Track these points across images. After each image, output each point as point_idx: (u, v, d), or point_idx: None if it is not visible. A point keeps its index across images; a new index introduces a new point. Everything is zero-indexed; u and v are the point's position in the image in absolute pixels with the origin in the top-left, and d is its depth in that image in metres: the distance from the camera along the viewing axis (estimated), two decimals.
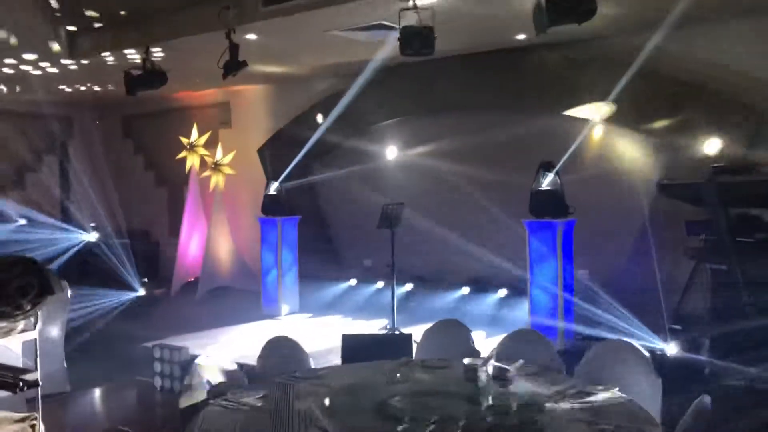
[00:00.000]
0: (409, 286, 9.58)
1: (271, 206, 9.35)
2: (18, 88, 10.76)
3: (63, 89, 11.26)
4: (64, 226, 11.30)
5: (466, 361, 3.71)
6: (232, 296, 10.68)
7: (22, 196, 12.27)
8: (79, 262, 10.14)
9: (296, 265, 9.41)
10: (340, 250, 11.09)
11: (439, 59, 8.00)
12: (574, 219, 7.35)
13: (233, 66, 7.48)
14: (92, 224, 11.31)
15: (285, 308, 9.21)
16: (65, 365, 6.90)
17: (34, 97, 11.91)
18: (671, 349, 6.25)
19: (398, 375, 3.93)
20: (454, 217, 9.65)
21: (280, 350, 4.33)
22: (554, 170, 7.18)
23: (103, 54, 8.51)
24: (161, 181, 13.04)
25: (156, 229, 13.05)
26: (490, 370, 3.60)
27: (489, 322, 8.31)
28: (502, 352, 4.39)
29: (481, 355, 4.61)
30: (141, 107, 12.97)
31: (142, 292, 9.55)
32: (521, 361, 3.78)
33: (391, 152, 10.41)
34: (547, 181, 7.27)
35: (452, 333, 4.76)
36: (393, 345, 6.06)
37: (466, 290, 9.05)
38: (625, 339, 4.24)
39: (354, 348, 6.10)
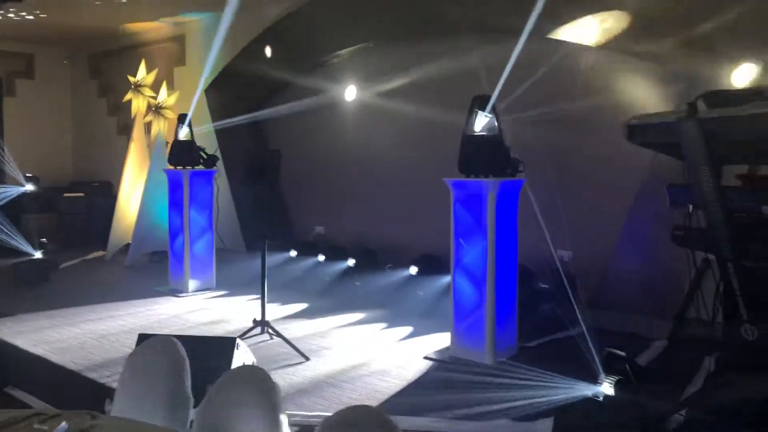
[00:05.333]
0: (351, 262, 7.55)
1: (180, 155, 7.43)
2: None
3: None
4: None
5: None
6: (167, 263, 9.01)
7: None
8: None
9: (211, 230, 7.54)
10: (287, 214, 9.15)
11: None
12: (521, 179, 5.08)
13: None
14: (28, 174, 9.86)
15: (193, 284, 7.38)
16: None
17: None
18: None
19: None
20: (416, 175, 7.51)
21: None
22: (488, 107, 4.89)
23: None
24: (123, 127, 11.50)
25: (117, 182, 11.59)
26: None
27: (424, 312, 6.23)
28: None
29: None
30: (105, 44, 11.48)
31: (37, 255, 7.98)
32: None
33: (351, 92, 8.34)
34: (481, 124, 5.01)
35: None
36: (207, 352, 4.17)
37: (414, 270, 6.92)
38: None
39: None
